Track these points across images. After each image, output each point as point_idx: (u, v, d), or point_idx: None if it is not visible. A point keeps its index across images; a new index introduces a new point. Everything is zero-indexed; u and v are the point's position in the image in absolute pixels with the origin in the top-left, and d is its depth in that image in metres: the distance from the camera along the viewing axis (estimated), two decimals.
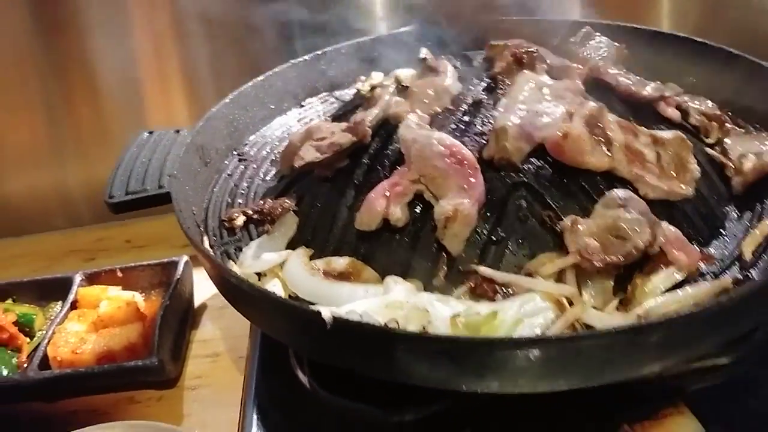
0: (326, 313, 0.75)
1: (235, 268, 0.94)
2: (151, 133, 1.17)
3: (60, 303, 1.35)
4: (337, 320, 0.75)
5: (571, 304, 0.81)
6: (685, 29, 1.34)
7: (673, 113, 1.03)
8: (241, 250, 1.00)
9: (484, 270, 0.84)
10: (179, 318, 1.34)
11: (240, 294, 0.87)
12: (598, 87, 1.03)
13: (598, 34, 1.12)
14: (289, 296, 0.89)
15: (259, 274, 0.94)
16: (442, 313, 0.77)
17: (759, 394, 0.88)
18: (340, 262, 0.90)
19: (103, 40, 1.59)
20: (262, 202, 1.07)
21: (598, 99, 1.02)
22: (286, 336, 0.88)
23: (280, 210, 1.01)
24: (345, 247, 0.93)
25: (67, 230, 1.70)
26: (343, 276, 0.89)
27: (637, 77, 1.02)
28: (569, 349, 0.71)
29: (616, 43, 1.09)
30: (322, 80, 1.39)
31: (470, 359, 0.73)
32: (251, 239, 1.02)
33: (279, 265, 0.94)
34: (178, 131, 1.17)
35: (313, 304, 0.84)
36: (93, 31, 1.58)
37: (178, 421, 1.17)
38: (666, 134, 0.94)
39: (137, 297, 1.34)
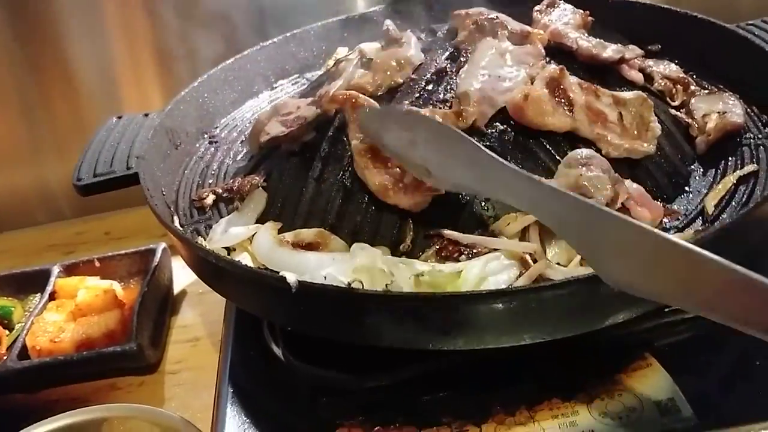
0: (291, 277, 0.76)
1: (204, 243, 0.94)
2: (119, 117, 1.17)
3: (38, 295, 1.36)
4: (301, 284, 0.75)
5: (535, 261, 0.81)
6: None
7: (636, 75, 1.04)
8: (211, 228, 1.00)
9: (448, 233, 0.85)
10: (158, 304, 1.34)
11: (210, 267, 0.88)
12: (560, 52, 1.03)
13: (562, 1, 1.12)
14: (258, 268, 0.90)
15: (228, 249, 0.95)
16: (406, 273, 0.77)
17: (726, 347, 0.89)
18: (308, 233, 0.91)
19: (76, 32, 1.59)
20: (231, 180, 1.07)
21: (560, 63, 1.02)
22: (255, 305, 0.88)
23: (248, 187, 1.01)
24: (313, 219, 0.94)
25: (47, 225, 1.70)
26: (311, 246, 0.89)
27: (598, 40, 1.03)
28: (531, 300, 0.72)
29: (580, 10, 1.09)
30: (292, 62, 1.39)
31: (434, 316, 0.73)
32: (221, 217, 1.02)
33: (248, 240, 0.94)
34: (146, 115, 1.18)
35: None
36: (66, 23, 1.57)
37: (160, 405, 1.17)
38: (627, 94, 0.95)
39: (115, 285, 1.34)
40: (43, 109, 1.68)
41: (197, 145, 1.20)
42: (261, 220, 0.98)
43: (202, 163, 1.15)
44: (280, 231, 0.94)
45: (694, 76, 1.14)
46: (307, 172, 0.97)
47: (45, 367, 1.19)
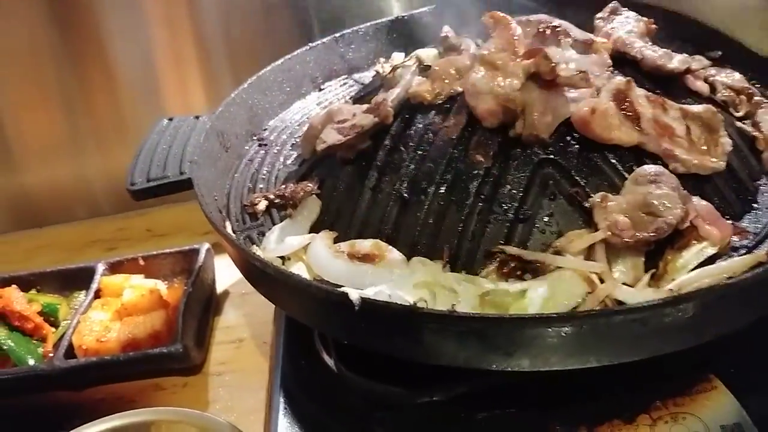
0: (354, 294, 0.74)
1: (258, 252, 0.93)
2: (170, 119, 1.16)
3: (83, 292, 1.36)
4: (365, 301, 0.74)
5: (602, 281, 0.79)
6: None
7: (701, 86, 1.01)
8: (263, 235, 0.99)
9: (511, 249, 0.83)
10: (202, 305, 1.33)
11: (265, 278, 0.87)
12: (624, 61, 1.01)
13: (625, 9, 1.09)
14: (314, 279, 0.88)
15: (283, 258, 0.93)
16: (470, 291, 0.76)
17: None
18: (365, 245, 0.89)
19: (119, 29, 1.58)
20: (283, 186, 1.06)
21: (623, 72, 1.00)
22: (312, 319, 0.87)
23: (301, 194, 1.00)
24: (368, 229, 0.92)
25: (88, 220, 1.70)
26: (367, 258, 0.88)
27: (664, 50, 1.00)
28: (600, 325, 0.70)
29: (644, 18, 1.06)
30: (340, 63, 1.37)
31: (500, 337, 0.72)
32: (273, 224, 1.01)
33: (303, 249, 0.93)
34: (197, 117, 1.17)
35: (339, 286, 0.83)
36: (109, 20, 1.57)
37: (204, 407, 1.17)
38: (696, 108, 0.92)
39: (160, 285, 1.34)
40: (83, 105, 1.67)
41: (246, 147, 1.19)
42: (314, 228, 0.97)
43: (252, 167, 1.14)
44: (335, 240, 0.93)
45: (758, 85, 1.10)
46: (362, 181, 0.95)
47: (92, 366, 1.19)
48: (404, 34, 1.40)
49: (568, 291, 0.77)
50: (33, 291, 1.37)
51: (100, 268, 1.38)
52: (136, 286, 1.33)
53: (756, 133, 0.99)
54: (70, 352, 1.21)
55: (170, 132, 1.13)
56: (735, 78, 1.10)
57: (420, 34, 1.38)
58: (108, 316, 1.28)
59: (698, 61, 1.01)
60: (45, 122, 1.70)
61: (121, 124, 1.69)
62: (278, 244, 0.93)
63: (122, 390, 1.23)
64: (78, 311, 1.29)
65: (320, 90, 1.34)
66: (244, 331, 1.33)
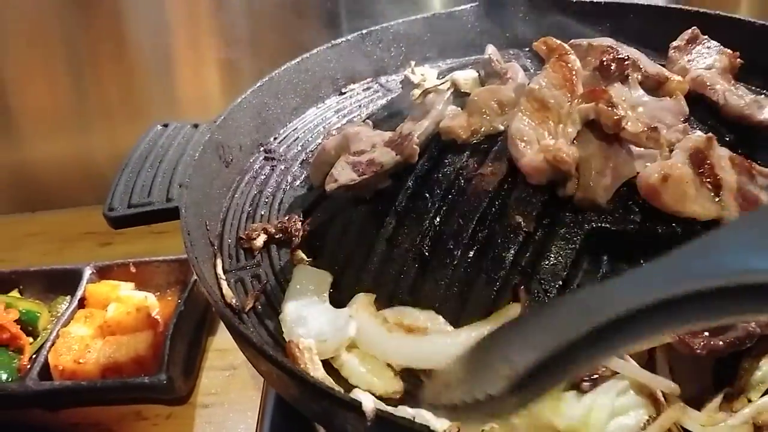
0: (368, 404, 0.60)
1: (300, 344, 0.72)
2: (165, 126, 1.01)
3: (67, 298, 1.25)
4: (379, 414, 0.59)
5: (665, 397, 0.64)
6: None
7: None
8: (258, 279, 0.85)
9: None
10: (195, 324, 1.22)
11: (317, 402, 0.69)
12: (701, 104, 0.84)
13: (706, 37, 0.91)
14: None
15: None
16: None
17: None
18: (414, 316, 0.74)
19: (135, 6, 1.49)
20: (287, 218, 0.91)
21: (701, 120, 0.83)
22: (319, 418, 0.72)
23: (301, 233, 0.86)
24: (381, 289, 0.78)
25: (84, 208, 1.58)
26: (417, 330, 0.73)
27: (752, 96, 0.83)
28: None
29: (728, 50, 0.89)
30: (365, 63, 1.21)
31: None
32: (270, 262, 0.87)
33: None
34: (196, 126, 1.01)
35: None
36: None
37: None
38: None
39: (150, 298, 1.23)
40: (94, 84, 1.61)
41: (251, 161, 1.04)
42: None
43: (255, 186, 1.00)
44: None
45: None
46: (377, 228, 0.80)
47: (66, 391, 1.10)
48: (441, 34, 1.23)
49: (629, 410, 0.63)
50: (14, 292, 1.27)
51: (87, 272, 1.27)
52: (123, 299, 1.22)
53: None
54: (45, 371, 1.12)
55: (163, 143, 0.97)
56: None
57: (458, 35, 1.23)
58: (90, 332, 1.18)
59: None
60: (50, 94, 1.61)
61: (133, 106, 1.61)
62: (302, 327, 0.74)
63: (101, 415, 1.16)
64: (59, 322, 1.20)
65: (341, 94, 1.18)
66: (239, 357, 1.19)
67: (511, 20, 1.21)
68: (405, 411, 0.63)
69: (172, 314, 1.16)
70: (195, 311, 1.22)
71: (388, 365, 0.71)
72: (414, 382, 0.70)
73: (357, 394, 0.64)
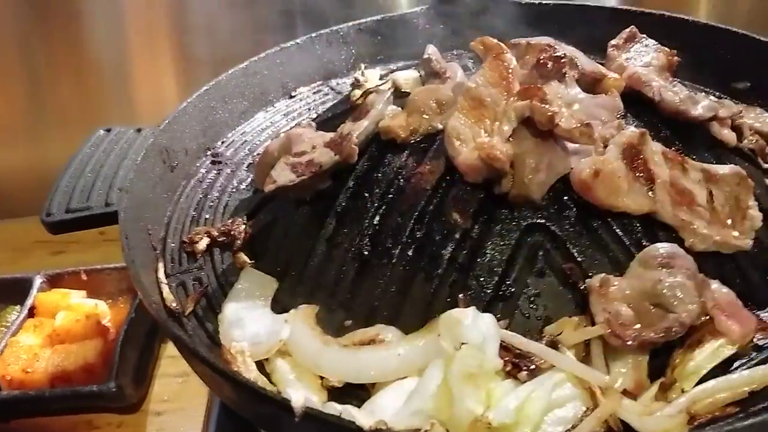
0: (297, 400, 0.60)
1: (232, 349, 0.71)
2: (108, 130, 0.99)
3: (18, 307, 1.23)
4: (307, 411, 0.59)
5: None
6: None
7: (728, 135, 0.84)
8: (199, 282, 0.84)
9: (505, 334, 0.67)
10: (146, 331, 1.20)
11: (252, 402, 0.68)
12: (638, 101, 0.84)
13: (644, 36, 0.92)
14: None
15: None
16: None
17: None
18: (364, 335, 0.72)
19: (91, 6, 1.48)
20: (230, 221, 0.90)
21: (637, 116, 0.84)
22: (258, 420, 0.72)
23: (243, 235, 0.86)
24: (320, 291, 0.77)
25: (37, 217, 1.54)
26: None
27: (687, 92, 0.84)
28: None
29: (666, 48, 0.90)
30: (316, 66, 1.21)
31: None
32: (213, 266, 0.86)
33: None
34: (139, 130, 1.00)
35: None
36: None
37: None
38: (722, 170, 0.76)
39: (101, 306, 1.21)
40: (49, 90, 1.58)
41: (197, 165, 1.03)
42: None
43: (200, 190, 0.99)
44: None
45: None
46: (318, 229, 0.80)
47: (13, 401, 1.08)
48: (391, 37, 1.23)
49: (566, 403, 0.63)
50: None
51: (38, 281, 1.25)
52: (73, 307, 1.20)
53: None
54: None
55: (105, 147, 0.96)
56: (765, 120, 0.94)
57: (409, 38, 1.23)
58: (38, 341, 1.17)
59: (726, 108, 0.84)
60: (3, 102, 1.58)
61: (89, 113, 1.58)
62: (239, 329, 0.74)
63: (51, 426, 1.14)
64: (8, 332, 1.17)
65: (291, 97, 1.18)
66: None
67: (460, 23, 1.22)
68: (333, 407, 0.63)
69: (123, 323, 1.14)
70: (147, 318, 1.20)
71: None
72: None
73: (288, 392, 0.64)
